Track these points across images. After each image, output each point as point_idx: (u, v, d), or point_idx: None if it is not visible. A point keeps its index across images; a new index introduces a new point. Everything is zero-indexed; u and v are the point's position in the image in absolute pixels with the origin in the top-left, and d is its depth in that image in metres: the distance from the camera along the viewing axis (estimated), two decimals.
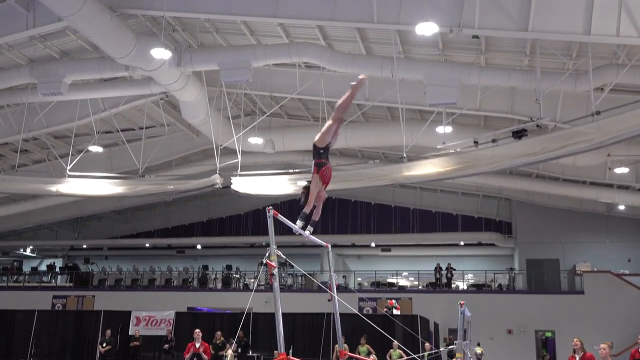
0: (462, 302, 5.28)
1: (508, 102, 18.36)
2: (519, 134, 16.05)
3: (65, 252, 40.16)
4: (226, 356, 14.64)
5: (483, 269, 31.60)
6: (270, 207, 5.93)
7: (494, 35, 14.93)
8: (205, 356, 11.45)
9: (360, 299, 26.34)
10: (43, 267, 37.82)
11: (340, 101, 7.07)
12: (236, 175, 22.31)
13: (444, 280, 30.36)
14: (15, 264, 37.93)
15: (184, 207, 37.00)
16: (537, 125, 15.62)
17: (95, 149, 23.95)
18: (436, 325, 24.66)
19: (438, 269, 30.51)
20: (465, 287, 31.46)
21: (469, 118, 20.74)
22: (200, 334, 11.75)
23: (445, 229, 34.41)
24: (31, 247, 40.12)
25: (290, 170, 22.75)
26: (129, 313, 22.95)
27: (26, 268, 38.33)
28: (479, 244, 34.18)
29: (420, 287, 30.89)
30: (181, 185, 24.37)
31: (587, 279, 27.45)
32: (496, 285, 30.16)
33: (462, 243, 34.37)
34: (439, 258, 32.29)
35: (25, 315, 23.72)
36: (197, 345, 11.50)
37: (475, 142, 17.22)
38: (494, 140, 16.77)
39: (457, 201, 33.81)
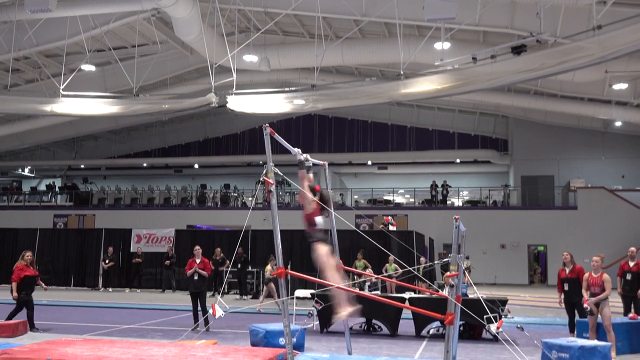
0: (457, 217, 5.37)
1: (508, 16, 17.94)
2: (518, 50, 15.78)
3: (64, 172, 40.35)
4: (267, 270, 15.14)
5: (478, 186, 31.95)
6: (267, 124, 5.90)
7: None
8: (205, 272, 11.72)
9: (357, 216, 26.76)
10: (42, 187, 38.10)
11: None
12: (232, 94, 22.09)
13: (440, 197, 30.75)
14: (14, 184, 38.19)
15: (180, 126, 36.88)
16: (537, 41, 15.31)
17: (88, 67, 23.57)
18: (431, 241, 25.20)
19: (434, 186, 30.84)
20: (461, 204, 31.94)
21: (468, 34, 20.35)
22: (200, 251, 11.97)
23: (442, 147, 34.53)
24: (29, 167, 40.23)
25: (286, 89, 22.52)
26: (129, 231, 23.34)
27: (25, 188, 38.62)
28: (475, 162, 34.40)
29: (416, 204, 31.33)
30: (176, 104, 24.14)
31: (580, 194, 27.83)
32: (491, 202, 30.60)
33: (458, 160, 34.56)
34: (435, 175, 32.58)
35: (28, 234, 24.10)
36: (198, 261, 11.74)
37: (474, 59, 16.94)
38: (492, 57, 16.49)
39: (454, 119, 33.74)
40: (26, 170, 40.56)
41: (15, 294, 10.89)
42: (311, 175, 7.05)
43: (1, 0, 17.71)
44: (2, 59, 22.94)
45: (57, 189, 36.05)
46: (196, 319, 11.44)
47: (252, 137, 36.34)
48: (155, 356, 6.41)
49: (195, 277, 11.61)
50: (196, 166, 37.60)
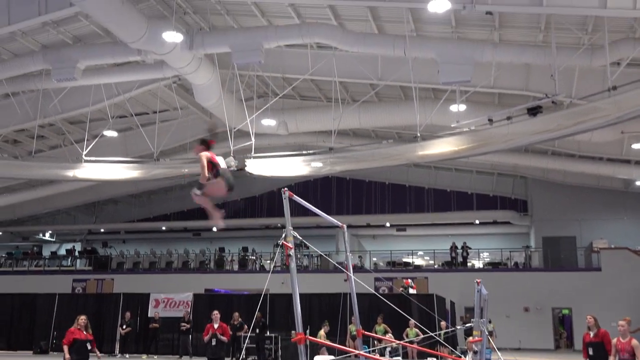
0: (478, 281, 5.29)
1: (523, 78, 18.17)
2: (534, 111, 15.90)
3: (84, 236, 40.65)
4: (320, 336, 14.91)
5: (498, 247, 31.55)
6: (286, 188, 5.94)
7: (507, 11, 14.73)
8: (224, 337, 11.57)
9: (376, 279, 26.43)
10: (62, 252, 38.31)
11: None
12: (250, 158, 22.36)
13: (460, 259, 30.37)
14: (34, 248, 38.52)
15: None
16: (553, 102, 15.44)
17: (110, 133, 24.10)
18: (452, 304, 24.72)
19: (453, 247, 30.51)
20: (481, 266, 31.48)
21: (483, 96, 20.57)
22: (219, 315, 11.87)
23: (461, 208, 34.35)
24: (50, 231, 40.63)
25: (304, 152, 22.75)
26: (147, 295, 23.23)
27: (46, 252, 38.87)
28: (494, 223, 34.10)
29: (435, 267, 30.95)
30: (196, 168, 24.44)
31: (604, 255, 27.33)
32: (512, 264, 30.13)
33: (477, 222, 34.29)
34: (454, 237, 32.27)
35: (47, 298, 24.08)
36: (216, 326, 11.62)
37: (490, 120, 17.08)
38: (508, 118, 16.62)
39: (472, 180, 33.68)
40: (47, 234, 40.94)
41: (67, 356, 10.74)
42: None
43: (29, 70, 18.33)
44: (28, 126, 23.58)
45: (76, 254, 36.24)
46: None
47: (270, 200, 36.51)
48: None
49: (213, 343, 11.47)
50: (214, 229, 37.69)
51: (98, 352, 11.58)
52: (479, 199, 34.45)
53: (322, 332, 15.29)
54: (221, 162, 6.86)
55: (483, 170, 32.51)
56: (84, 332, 11.08)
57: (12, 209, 33.01)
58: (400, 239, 35.63)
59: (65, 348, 10.83)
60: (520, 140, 17.46)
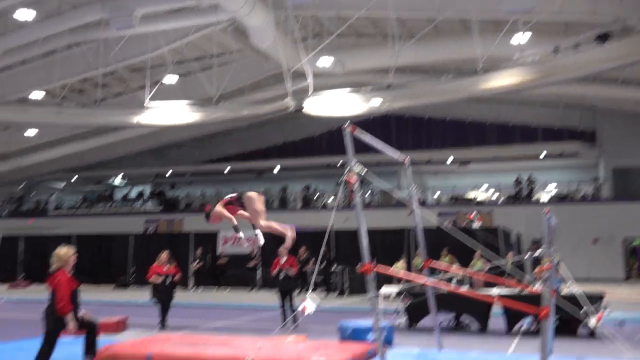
0: (547, 210, 5.25)
1: (590, 3, 17.23)
2: (602, 38, 15.18)
3: (152, 180, 42.13)
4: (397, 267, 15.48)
5: (565, 179, 30.81)
6: (347, 123, 5.96)
7: None
8: (292, 270, 11.97)
9: (440, 214, 26.41)
10: (133, 195, 39.93)
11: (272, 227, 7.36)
12: (308, 98, 22.42)
13: (525, 192, 29.89)
14: (107, 192, 40.30)
15: (260, 131, 37.59)
16: (623, 28, 14.67)
17: (170, 79, 24.56)
18: (518, 237, 24.49)
19: (518, 181, 30.00)
20: (548, 199, 30.87)
21: (548, 26, 19.66)
22: (287, 249, 12.19)
23: (525, 141, 33.49)
24: (120, 176, 42.29)
25: (361, 88, 22.59)
26: (215, 235, 24.07)
27: (117, 196, 40.59)
28: (561, 155, 33.11)
29: (500, 201, 30.57)
30: (255, 110, 24.77)
31: None
32: (580, 196, 29.44)
33: (542, 155, 33.40)
34: (518, 171, 31.66)
35: (122, 239, 25.37)
36: (282, 261, 12.00)
37: (555, 50, 16.44)
38: (575, 46, 15.94)
39: (536, 112, 32.61)
40: (117, 179, 42.65)
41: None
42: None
43: (88, 20, 18.67)
44: (91, 75, 24.29)
45: (146, 196, 37.78)
46: (285, 316, 11.69)
47: (329, 140, 36.61)
48: (249, 351, 6.63)
49: (281, 277, 11.88)
50: (276, 169, 38.29)
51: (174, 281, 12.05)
52: (544, 132, 33.46)
53: (399, 264, 15.67)
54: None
55: (548, 101, 31.42)
56: (165, 268, 11.66)
57: (83, 155, 34.44)
58: (463, 174, 35.26)
59: (154, 278, 11.49)
60: (587, 69, 16.80)
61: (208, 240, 24.00)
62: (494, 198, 31.92)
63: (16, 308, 16.18)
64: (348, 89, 22.91)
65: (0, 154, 32.89)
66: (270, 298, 17.95)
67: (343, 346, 7.62)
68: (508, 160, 33.65)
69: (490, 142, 34.02)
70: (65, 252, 7.01)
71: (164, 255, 11.85)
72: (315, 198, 33.29)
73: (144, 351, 7.04)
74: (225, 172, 39.40)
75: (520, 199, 29.48)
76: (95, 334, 7.10)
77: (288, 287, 11.80)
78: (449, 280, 13.50)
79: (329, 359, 6.41)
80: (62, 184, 42.44)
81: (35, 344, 6.97)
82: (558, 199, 29.83)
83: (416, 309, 11.07)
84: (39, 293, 21.64)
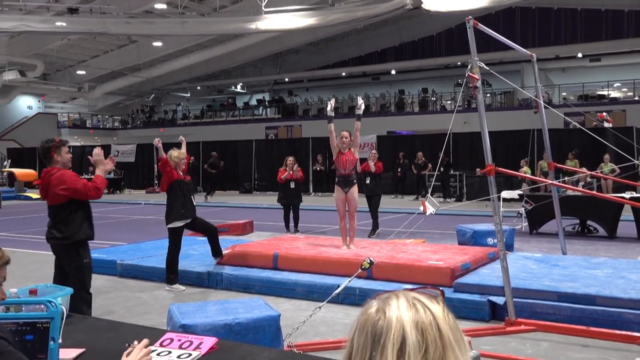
0: None
1: None
2: None
3: (270, 87, 42.99)
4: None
5: None
6: (470, 17, 5.60)
7: None
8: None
9: (566, 114, 24.90)
10: (253, 102, 41.11)
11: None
12: None
13: None
14: (229, 100, 41.79)
15: (376, 32, 36.72)
16: None
17: None
18: None
19: None
20: None
21: None
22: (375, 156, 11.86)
23: None
24: (240, 84, 43.52)
25: None
26: None
27: (239, 103, 41.99)
28: None
29: (635, 98, 28.22)
30: (370, 10, 24.09)
31: None
32: None
33: None
34: None
35: (245, 145, 26.47)
36: (371, 165, 11.52)
37: None
38: None
39: None
40: (238, 87, 43.95)
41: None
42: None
43: None
44: None
45: (266, 103, 38.77)
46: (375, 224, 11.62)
47: (448, 38, 35.10)
48: (370, 252, 6.83)
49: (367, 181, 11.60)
50: (393, 72, 37.58)
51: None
52: None
53: (525, 169, 15.29)
54: None
55: None
56: (290, 172, 12.01)
57: (206, 64, 35.63)
58: (594, 70, 32.71)
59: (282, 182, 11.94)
60: None
61: (326, 145, 24.31)
62: (628, 95, 29.48)
63: (154, 211, 17.60)
64: None
65: (131, 66, 34.84)
66: (391, 202, 18.21)
67: (463, 249, 7.62)
68: None
69: (628, 34, 31.00)
70: (177, 154, 7.32)
71: (290, 160, 12.17)
72: (433, 101, 32.50)
73: (270, 251, 7.47)
74: (342, 76, 39.28)
75: None
76: (216, 237, 7.46)
77: (373, 192, 11.58)
78: (575, 183, 12.90)
79: (447, 262, 6.45)
80: (187, 94, 44.48)
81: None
82: None
83: (538, 213, 10.77)
84: None
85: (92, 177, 5.08)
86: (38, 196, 24.01)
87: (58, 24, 23.81)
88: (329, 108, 8.05)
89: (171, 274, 7.13)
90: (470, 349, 1.20)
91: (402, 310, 1.03)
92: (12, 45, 30.09)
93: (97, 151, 5.05)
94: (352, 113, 33.17)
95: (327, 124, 7.94)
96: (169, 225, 7.20)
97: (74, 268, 5.01)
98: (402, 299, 1.06)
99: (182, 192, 7.19)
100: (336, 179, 8.03)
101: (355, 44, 37.04)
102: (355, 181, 8.02)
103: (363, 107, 7.95)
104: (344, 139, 7.90)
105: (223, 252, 7.54)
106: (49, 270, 8.27)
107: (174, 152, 7.33)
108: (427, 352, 1.00)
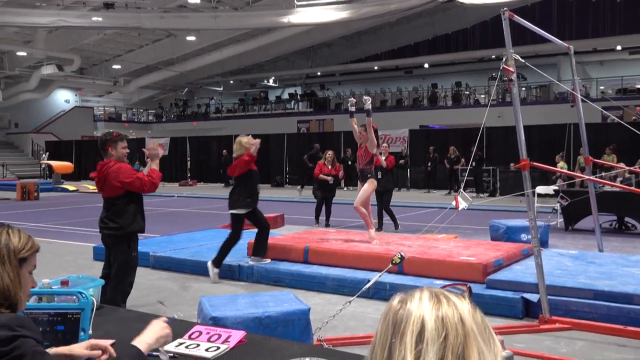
0: None
1: None
2: None
3: (302, 81, 43.00)
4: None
5: None
6: (505, 8, 5.48)
7: None
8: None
9: (604, 108, 24.33)
10: (285, 96, 41.19)
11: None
12: None
13: None
14: (262, 94, 41.97)
15: (409, 26, 36.41)
16: None
17: None
18: None
19: None
20: None
21: None
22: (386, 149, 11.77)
23: None
24: (273, 77, 43.64)
25: None
26: None
27: (271, 97, 42.12)
28: None
29: None
30: (403, 3, 23.90)
31: None
32: None
33: None
34: None
35: (277, 138, 26.55)
36: (382, 159, 11.40)
37: None
38: None
39: None
40: (270, 81, 44.09)
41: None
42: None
43: None
44: None
45: (298, 97, 38.81)
46: (380, 219, 11.45)
47: (482, 31, 34.57)
48: (402, 247, 6.77)
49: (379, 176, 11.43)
50: (426, 66, 37.24)
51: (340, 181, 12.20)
52: None
53: (561, 164, 15.05)
54: None
55: None
56: (329, 167, 11.93)
57: (239, 58, 35.81)
58: (633, 63, 31.87)
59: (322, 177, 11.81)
60: None
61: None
62: None
63: (187, 204, 17.75)
64: None
65: (165, 60, 35.25)
66: (423, 197, 18.07)
67: (496, 245, 7.51)
68: None
69: None
70: (247, 140, 7.23)
71: (330, 154, 12.11)
72: (466, 95, 32.10)
73: (301, 244, 7.47)
74: (375, 70, 39.08)
75: None
76: (267, 234, 7.37)
77: (385, 189, 11.37)
78: (613, 179, 12.61)
79: (480, 258, 6.36)
80: (220, 88, 44.82)
81: (208, 235, 7.62)
82: None
83: (574, 209, 10.55)
84: (207, 190, 23.51)
85: (144, 169, 5.18)
86: (74, 188, 24.38)
87: (94, 18, 24.22)
88: (349, 104, 8.47)
89: (219, 255, 7.10)
90: (503, 348, 1.17)
91: (424, 301, 1.04)
92: (50, 40, 30.69)
93: (152, 145, 5.11)
94: (383, 107, 33.14)
95: (349, 118, 8.60)
96: (233, 211, 7.14)
97: (121, 259, 5.09)
98: (426, 292, 1.06)
99: (252, 181, 7.19)
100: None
101: (388, 37, 36.78)
102: (369, 175, 8.39)
103: (370, 104, 8.28)
104: (355, 135, 8.54)
105: (265, 251, 7.39)
106: (84, 261, 8.47)
107: (243, 138, 7.29)
108: (446, 339, 0.98)
